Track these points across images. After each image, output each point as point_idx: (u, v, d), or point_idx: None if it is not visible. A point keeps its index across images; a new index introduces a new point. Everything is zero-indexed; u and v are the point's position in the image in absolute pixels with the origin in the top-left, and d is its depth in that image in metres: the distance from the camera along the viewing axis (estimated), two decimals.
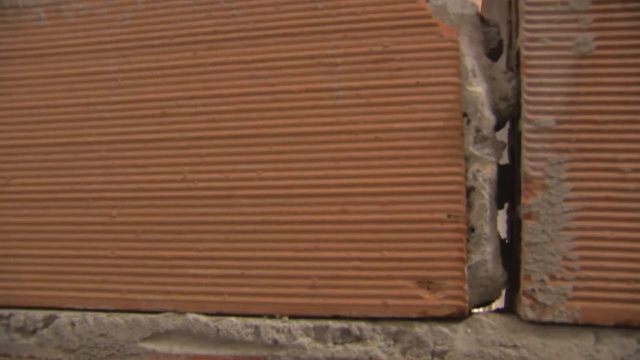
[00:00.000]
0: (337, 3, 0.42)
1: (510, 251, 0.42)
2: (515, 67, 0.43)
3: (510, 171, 0.43)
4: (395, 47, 0.41)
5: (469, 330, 0.38)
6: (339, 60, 0.41)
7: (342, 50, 0.42)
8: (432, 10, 0.42)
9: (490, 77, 0.41)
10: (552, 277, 0.37)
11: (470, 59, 0.40)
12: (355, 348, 0.39)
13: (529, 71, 0.39)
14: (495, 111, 0.41)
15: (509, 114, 0.41)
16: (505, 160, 0.45)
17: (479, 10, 0.44)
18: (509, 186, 0.43)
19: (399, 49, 0.41)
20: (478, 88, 0.40)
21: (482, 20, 0.43)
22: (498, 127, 0.42)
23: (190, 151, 0.43)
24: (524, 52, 0.39)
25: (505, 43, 0.45)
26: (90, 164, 0.44)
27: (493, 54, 0.45)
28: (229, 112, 0.42)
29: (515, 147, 0.43)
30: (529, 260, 0.38)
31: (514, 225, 0.42)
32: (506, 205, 0.45)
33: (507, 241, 0.45)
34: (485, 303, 0.41)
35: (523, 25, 0.39)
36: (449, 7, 0.42)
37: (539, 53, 0.39)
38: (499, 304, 0.45)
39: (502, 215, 0.46)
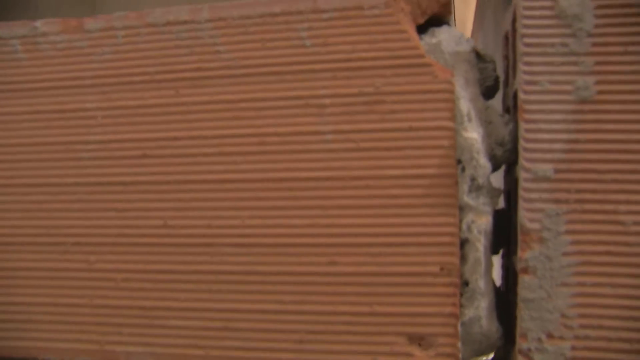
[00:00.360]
0: (326, 40, 0.40)
1: (505, 300, 0.41)
2: (512, 107, 0.41)
3: (506, 216, 0.42)
4: (388, 89, 0.39)
5: None
6: (328, 101, 0.40)
7: (332, 91, 0.40)
8: (426, 49, 0.40)
9: (487, 120, 0.39)
10: (550, 336, 0.36)
11: (466, 101, 0.39)
12: None
13: (527, 116, 0.37)
14: (492, 157, 0.39)
15: (506, 159, 0.40)
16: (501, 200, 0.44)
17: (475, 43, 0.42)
18: (504, 230, 0.42)
19: (391, 91, 0.39)
20: (473, 134, 0.38)
21: (478, 56, 0.42)
22: (494, 170, 0.40)
23: (172, 195, 0.41)
24: (521, 96, 0.37)
25: (501, 79, 0.44)
26: (68, 207, 0.42)
27: (489, 91, 0.43)
28: (213, 155, 0.41)
29: (511, 191, 0.41)
30: (525, 317, 0.36)
31: (510, 276, 0.40)
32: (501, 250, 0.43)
33: (501, 288, 0.43)
34: (478, 357, 0.39)
35: (521, 67, 0.38)
36: (444, 45, 0.40)
37: (537, 97, 0.37)
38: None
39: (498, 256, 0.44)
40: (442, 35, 0.40)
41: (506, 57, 0.44)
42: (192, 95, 0.41)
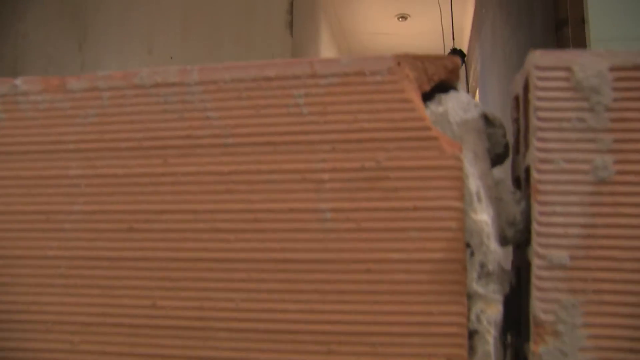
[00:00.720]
0: (324, 109, 0.37)
1: None
2: (523, 180, 0.38)
3: (516, 296, 0.39)
4: (391, 164, 0.36)
5: None
6: (326, 176, 0.37)
7: (331, 165, 0.37)
8: (433, 119, 0.37)
9: (497, 197, 0.37)
10: None
11: (475, 179, 0.36)
12: None
13: (541, 198, 0.34)
14: (502, 238, 0.36)
15: (517, 240, 0.37)
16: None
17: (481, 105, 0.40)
18: (514, 310, 0.39)
19: (395, 166, 0.36)
20: (483, 216, 0.35)
21: (486, 120, 0.39)
22: (502, 246, 0.38)
23: (161, 274, 0.38)
24: (535, 176, 0.35)
25: (511, 143, 0.41)
26: (49, 282, 0.40)
27: (498, 158, 0.40)
28: (204, 231, 0.38)
29: (522, 270, 0.38)
30: None
31: None
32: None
33: None
34: None
35: (535, 143, 0.35)
36: (451, 114, 0.37)
37: (552, 177, 0.35)
38: None
39: None
40: (449, 103, 0.38)
41: (516, 121, 0.41)
42: (182, 165, 0.39)
